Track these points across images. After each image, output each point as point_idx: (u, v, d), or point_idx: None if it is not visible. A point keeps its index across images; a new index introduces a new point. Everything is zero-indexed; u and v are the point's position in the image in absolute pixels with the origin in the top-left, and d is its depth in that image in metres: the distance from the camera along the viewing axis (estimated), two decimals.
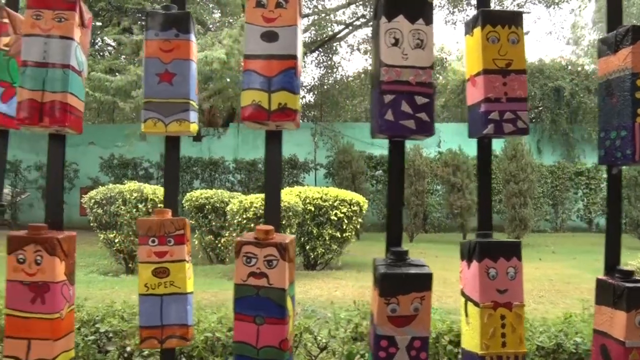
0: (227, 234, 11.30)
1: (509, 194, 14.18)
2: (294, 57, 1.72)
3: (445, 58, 23.43)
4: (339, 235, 10.40)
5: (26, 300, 1.75)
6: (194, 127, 1.97)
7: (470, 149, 15.98)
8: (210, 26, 15.34)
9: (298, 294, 8.21)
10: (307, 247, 10.41)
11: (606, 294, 1.84)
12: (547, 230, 18.01)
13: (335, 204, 10.40)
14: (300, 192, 10.61)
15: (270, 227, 1.70)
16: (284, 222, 9.61)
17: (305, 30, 20.52)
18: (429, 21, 1.72)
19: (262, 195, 9.96)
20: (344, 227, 10.41)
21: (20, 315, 1.76)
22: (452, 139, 17.86)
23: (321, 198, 10.43)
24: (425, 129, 1.70)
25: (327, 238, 10.33)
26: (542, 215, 17.66)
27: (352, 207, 10.49)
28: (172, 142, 2.08)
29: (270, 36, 1.72)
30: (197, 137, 17.83)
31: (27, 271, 1.75)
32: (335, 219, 10.37)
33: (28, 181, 17.98)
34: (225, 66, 11.68)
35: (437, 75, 23.88)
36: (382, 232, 16.09)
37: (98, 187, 16.65)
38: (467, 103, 1.91)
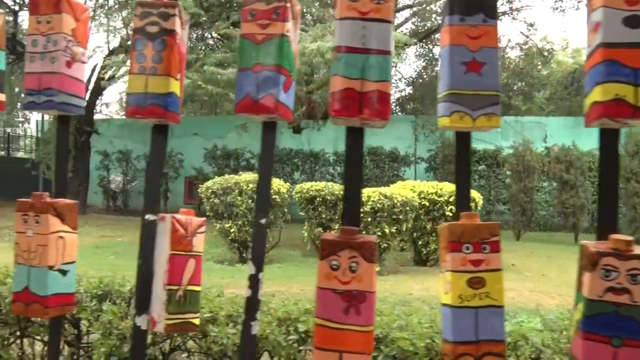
0: (336, 227, 11.22)
1: (629, 193, 13.32)
2: None
3: (551, 48, 22.39)
4: None
5: (339, 310, 1.61)
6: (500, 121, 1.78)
7: (583, 144, 15.18)
8: (313, 18, 15.26)
9: (418, 290, 8.01)
10: (419, 243, 10.16)
11: None
12: None
13: (450, 200, 10.08)
14: (414, 187, 10.36)
15: (631, 238, 1.48)
16: (400, 217, 9.40)
17: (404, 22, 20.17)
18: None
19: (380, 189, 9.80)
20: None
21: (332, 326, 1.62)
22: (559, 133, 17.02)
23: (436, 193, 10.14)
24: None
25: None
26: None
27: None
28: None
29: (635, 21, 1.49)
30: (297, 129, 17.84)
31: (340, 279, 1.61)
32: (451, 214, 10.04)
33: (137, 170, 18.60)
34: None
35: (539, 67, 22.93)
36: None
37: (202, 178, 17.13)
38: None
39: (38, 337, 3.49)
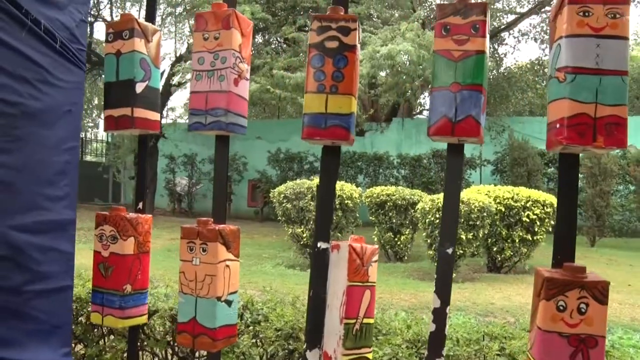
0: (407, 232, 11.03)
1: None
2: None
3: None
4: (530, 238, 9.75)
5: (565, 354, 1.45)
6: None
7: None
8: (379, 20, 15.08)
9: (499, 299, 7.73)
10: (494, 249, 9.88)
11: None
12: None
13: (527, 205, 9.76)
14: (489, 192, 10.09)
15: None
16: (477, 223, 9.15)
17: None
18: None
19: None
20: (536, 229, 9.73)
21: None
22: (635, 134, 16.31)
23: (512, 198, 9.84)
24: None
25: (516, 240, 9.74)
26: None
27: (545, 208, 9.79)
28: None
29: None
30: (360, 132, 17.70)
31: (567, 321, 1.44)
32: (527, 220, 9.73)
33: (202, 173, 18.83)
34: (409, 59, 11.35)
35: None
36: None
37: (265, 181, 17.18)
38: None
39: (148, 350, 3.46)
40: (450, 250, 1.81)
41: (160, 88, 2.24)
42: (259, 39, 16.71)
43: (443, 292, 1.80)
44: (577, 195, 1.67)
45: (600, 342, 1.46)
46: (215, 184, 2.14)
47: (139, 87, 2.11)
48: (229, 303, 1.98)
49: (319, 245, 1.94)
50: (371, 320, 1.93)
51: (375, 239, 11.33)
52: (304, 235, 10.11)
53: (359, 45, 1.87)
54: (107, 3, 18.34)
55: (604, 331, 1.47)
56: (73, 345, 3.42)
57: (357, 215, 10.62)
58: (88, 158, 24.33)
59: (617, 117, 1.46)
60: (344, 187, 10.24)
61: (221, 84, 1.94)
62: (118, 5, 17.70)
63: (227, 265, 1.97)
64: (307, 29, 14.09)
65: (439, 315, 1.80)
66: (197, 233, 1.96)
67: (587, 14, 1.48)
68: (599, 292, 1.46)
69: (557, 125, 1.51)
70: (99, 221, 2.14)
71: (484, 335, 3.06)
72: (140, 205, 2.31)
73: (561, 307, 1.46)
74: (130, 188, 19.15)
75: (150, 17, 2.37)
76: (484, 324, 3.52)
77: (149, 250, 2.22)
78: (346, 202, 10.14)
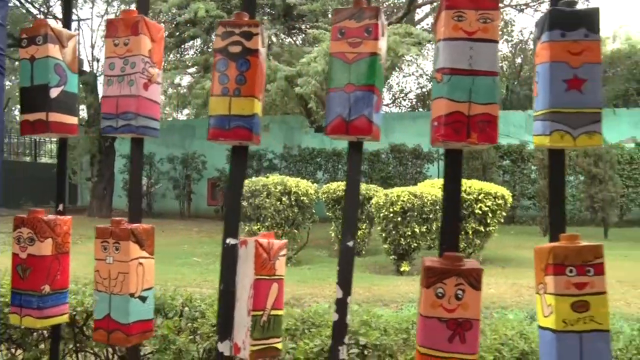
0: (363, 227, 11.18)
1: None
2: None
3: None
4: (482, 230, 10.00)
5: (443, 338, 1.56)
6: (602, 140, 1.71)
7: (610, 137, 14.96)
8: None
9: None
10: None
11: None
12: None
13: (479, 197, 10.00)
14: (442, 185, 10.28)
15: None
16: (430, 216, 9.36)
17: (426, 17, 20.01)
18: None
19: (409, 189, 9.73)
20: (488, 220, 9.98)
21: (436, 355, 1.58)
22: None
23: (465, 191, 10.04)
24: None
25: (470, 232, 9.97)
26: None
27: (497, 200, 10.05)
28: None
29: None
30: (319, 128, 17.81)
31: (446, 307, 1.56)
32: (480, 212, 9.97)
33: (161, 172, 18.69)
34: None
35: None
36: (509, 224, 15.43)
37: (224, 179, 17.11)
38: None
39: (89, 351, 3.48)
40: (350, 244, 1.91)
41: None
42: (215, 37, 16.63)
43: (345, 283, 1.90)
44: (460, 189, 1.78)
45: (475, 325, 1.59)
46: (131, 184, 2.20)
47: (54, 92, 2.15)
48: (143, 299, 2.04)
49: (227, 241, 2.02)
50: (280, 312, 2.02)
51: (333, 235, 11.47)
52: (261, 232, 10.15)
53: (262, 50, 1.96)
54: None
55: (479, 315, 1.59)
56: (13, 349, 3.44)
57: (314, 211, 10.71)
58: (43, 160, 23.89)
59: (488, 115, 1.58)
60: (299, 184, 10.33)
61: (131, 89, 2.00)
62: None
63: (141, 263, 2.03)
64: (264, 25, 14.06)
65: (341, 306, 1.90)
66: (110, 232, 2.02)
67: (461, 18, 1.59)
68: (474, 278, 1.58)
69: (436, 123, 1.63)
70: (17, 224, 2.18)
71: (413, 324, 3.18)
72: (61, 207, 2.35)
73: (440, 294, 1.57)
74: (87, 190, 18.90)
75: (67, 22, 2.41)
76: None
77: (69, 250, 2.27)
78: (302, 198, 10.21)
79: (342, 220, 1.91)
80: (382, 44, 1.83)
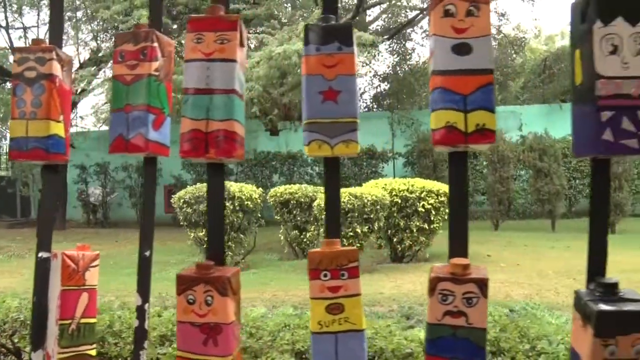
0: (312, 229, 11.28)
1: None
2: (491, 72, 1.55)
3: (524, 37, 22.56)
4: (427, 227, 10.17)
5: (198, 342, 1.68)
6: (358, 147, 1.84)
7: (557, 131, 15.30)
8: (285, 20, 15.29)
9: (390, 288, 8.07)
10: (394, 240, 10.26)
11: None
12: None
13: (422, 195, 10.18)
14: (385, 185, 10.46)
15: (468, 261, 1.55)
16: (371, 216, 9.49)
17: (377, 19, 20.20)
18: None
19: (350, 190, 9.86)
20: (432, 218, 10.17)
21: (192, 358, 1.70)
22: (534, 121, 17.15)
23: (407, 190, 10.23)
24: None
25: (414, 230, 10.13)
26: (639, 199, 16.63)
27: (439, 197, 10.23)
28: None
29: (462, 49, 1.56)
30: (274, 132, 17.89)
31: (197, 312, 1.68)
32: (423, 210, 10.14)
33: (116, 181, 18.56)
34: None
35: (514, 55, 23.06)
36: None
37: (180, 185, 17.10)
38: None
39: None
40: (147, 253, 2.02)
41: None
42: None
43: (143, 291, 2.01)
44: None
45: (225, 329, 1.70)
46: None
47: None
48: None
49: (40, 255, 2.11)
50: (92, 320, 2.13)
51: (282, 238, 11.54)
52: (206, 238, 10.18)
53: (60, 74, 2.05)
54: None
55: (228, 319, 1.71)
56: None
57: (259, 215, 10.78)
58: None
59: (225, 131, 1.70)
60: (243, 189, 10.38)
61: None
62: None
63: None
64: None
65: (141, 312, 2.01)
66: None
67: (199, 40, 1.71)
68: (221, 286, 1.70)
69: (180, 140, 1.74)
70: None
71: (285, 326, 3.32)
72: None
73: (191, 300, 1.69)
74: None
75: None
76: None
77: None
78: (246, 203, 10.26)
79: (140, 233, 2.01)
80: (165, 65, 1.94)
